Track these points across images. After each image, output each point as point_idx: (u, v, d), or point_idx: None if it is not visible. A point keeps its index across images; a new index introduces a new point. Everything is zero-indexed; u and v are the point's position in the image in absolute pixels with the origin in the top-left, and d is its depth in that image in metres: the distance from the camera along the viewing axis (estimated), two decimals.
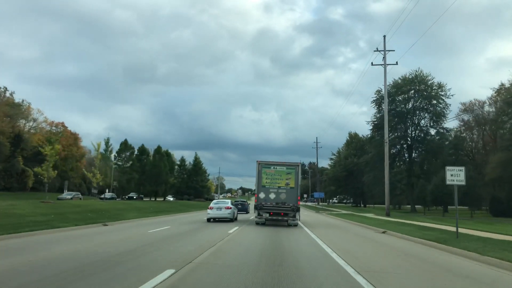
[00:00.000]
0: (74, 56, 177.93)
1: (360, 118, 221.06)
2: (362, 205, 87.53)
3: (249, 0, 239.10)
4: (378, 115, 67.31)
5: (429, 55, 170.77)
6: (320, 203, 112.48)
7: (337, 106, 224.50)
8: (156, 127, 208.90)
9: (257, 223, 21.75)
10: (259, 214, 21.52)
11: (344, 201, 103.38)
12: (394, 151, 67.89)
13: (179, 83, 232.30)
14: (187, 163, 74.23)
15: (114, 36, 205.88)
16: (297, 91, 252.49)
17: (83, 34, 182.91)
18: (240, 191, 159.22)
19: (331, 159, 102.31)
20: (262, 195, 21.29)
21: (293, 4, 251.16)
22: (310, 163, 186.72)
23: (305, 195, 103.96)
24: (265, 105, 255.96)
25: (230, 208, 25.19)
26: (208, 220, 24.84)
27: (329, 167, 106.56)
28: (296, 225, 21.76)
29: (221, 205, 25.45)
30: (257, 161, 21.72)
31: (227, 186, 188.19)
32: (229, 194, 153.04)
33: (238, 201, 41.94)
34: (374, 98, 67.50)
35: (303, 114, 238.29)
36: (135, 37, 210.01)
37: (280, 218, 21.26)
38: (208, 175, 78.68)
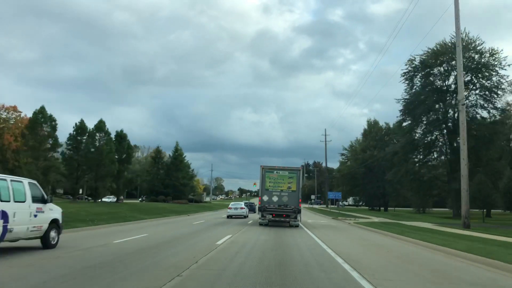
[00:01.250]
0: (73, 58, 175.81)
1: (360, 120, 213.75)
2: (380, 208, 71.82)
3: (248, 2, 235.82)
4: (411, 92, 51.89)
5: None
6: (329, 206, 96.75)
7: (338, 108, 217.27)
8: (156, 129, 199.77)
9: (261, 224, 22.52)
10: (262, 216, 22.47)
11: (360, 203, 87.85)
12: (428, 139, 52.39)
13: (179, 85, 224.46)
14: (165, 155, 58.95)
15: (113, 37, 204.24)
16: (297, 93, 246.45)
17: (82, 35, 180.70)
18: (237, 191, 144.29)
19: (342, 154, 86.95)
20: (265, 198, 22.29)
21: (292, 5, 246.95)
22: (314, 162, 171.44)
23: (312, 196, 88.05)
24: (265, 107, 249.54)
25: (244, 208, 34.17)
26: (228, 217, 32.38)
27: (339, 163, 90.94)
28: (297, 225, 22.54)
29: (237, 206, 34.30)
30: (261, 166, 22.73)
31: (227, 188, 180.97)
32: (221, 196, 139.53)
33: (247, 202, 46.66)
34: (405, 70, 52.11)
35: (304, 116, 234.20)
36: (134, 39, 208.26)
37: (282, 219, 22.34)
38: (193, 170, 63.47)
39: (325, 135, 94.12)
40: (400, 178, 54.19)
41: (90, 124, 35.30)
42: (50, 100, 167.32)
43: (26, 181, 10.39)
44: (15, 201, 9.42)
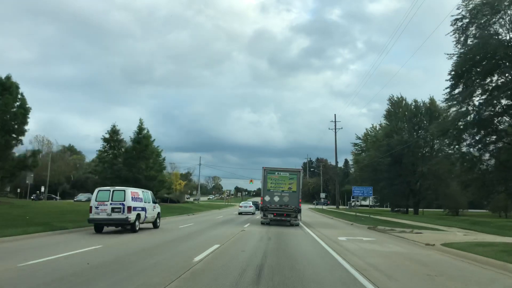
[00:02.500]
0: (71, 58, 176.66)
1: (359, 119, 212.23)
2: (407, 209, 56.32)
3: (245, 1, 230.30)
4: (465, 46, 36.37)
5: (428, 55, 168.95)
6: (340, 206, 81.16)
7: (337, 108, 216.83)
8: (154, 129, 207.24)
9: (262, 223, 23.05)
10: (264, 215, 23.19)
11: (375, 203, 72.51)
12: (489, 112, 36.92)
13: (177, 85, 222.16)
14: (122, 137, 43.34)
15: (111, 37, 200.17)
16: (295, 92, 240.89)
17: (79, 35, 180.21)
18: (230, 190, 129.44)
19: (356, 144, 71.83)
20: (267, 198, 22.93)
21: (289, 4, 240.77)
22: (318, 158, 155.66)
23: (322, 195, 72.29)
24: (264, 107, 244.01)
25: (252, 206, 41.42)
26: (239, 213, 39.64)
27: (353, 156, 75.34)
28: (297, 224, 22.91)
29: (246, 205, 42.03)
30: (263, 167, 23.51)
31: (225, 187, 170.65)
32: (210, 196, 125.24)
33: (255, 202, 48.56)
34: (457, 16, 36.54)
35: (303, 115, 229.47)
36: (132, 39, 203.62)
37: (283, 218, 22.79)
38: (163, 159, 47.56)
39: (335, 121, 78.98)
40: (449, 168, 38.79)
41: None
42: (48, 100, 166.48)
43: (149, 191, 20.02)
44: (147, 202, 18.47)
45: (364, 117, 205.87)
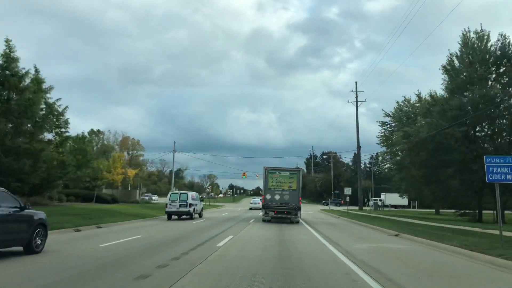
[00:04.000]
0: (68, 57, 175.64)
1: (360, 118, 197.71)
2: (480, 212, 35.15)
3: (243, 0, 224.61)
4: None
5: (426, 54, 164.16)
6: (364, 207, 60.13)
7: (335, 107, 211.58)
8: (152, 129, 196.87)
9: (264, 220, 24.68)
10: (265, 213, 24.61)
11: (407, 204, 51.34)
12: None
13: (175, 84, 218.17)
14: None
15: (108, 36, 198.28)
16: (294, 92, 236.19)
17: (76, 34, 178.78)
18: (221, 189, 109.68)
19: (384, 123, 51.64)
20: (268, 196, 24.27)
21: (286, 2, 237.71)
22: (324, 152, 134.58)
23: (347, 190, 50.49)
24: (262, 106, 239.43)
25: (260, 203, 40.97)
26: (250, 209, 49.61)
27: (380, 140, 53.12)
28: (297, 222, 24.15)
29: (256, 202, 51.01)
30: (264, 167, 24.77)
31: (222, 186, 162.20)
32: (198, 195, 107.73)
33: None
34: None
35: (301, 115, 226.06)
36: (129, 38, 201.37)
37: (284, 216, 24.17)
38: (67, 121, 26.15)
39: (356, 92, 58.92)
40: None
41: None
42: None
43: (196, 193, 33.14)
44: (197, 200, 29.92)
45: (364, 116, 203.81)
